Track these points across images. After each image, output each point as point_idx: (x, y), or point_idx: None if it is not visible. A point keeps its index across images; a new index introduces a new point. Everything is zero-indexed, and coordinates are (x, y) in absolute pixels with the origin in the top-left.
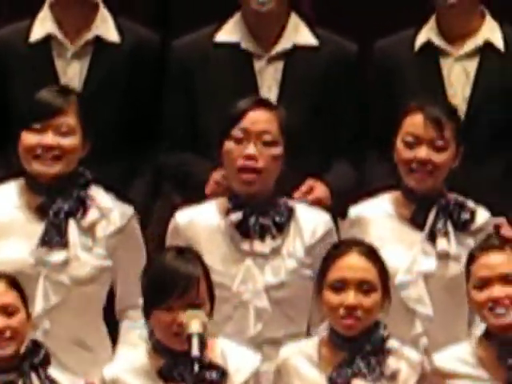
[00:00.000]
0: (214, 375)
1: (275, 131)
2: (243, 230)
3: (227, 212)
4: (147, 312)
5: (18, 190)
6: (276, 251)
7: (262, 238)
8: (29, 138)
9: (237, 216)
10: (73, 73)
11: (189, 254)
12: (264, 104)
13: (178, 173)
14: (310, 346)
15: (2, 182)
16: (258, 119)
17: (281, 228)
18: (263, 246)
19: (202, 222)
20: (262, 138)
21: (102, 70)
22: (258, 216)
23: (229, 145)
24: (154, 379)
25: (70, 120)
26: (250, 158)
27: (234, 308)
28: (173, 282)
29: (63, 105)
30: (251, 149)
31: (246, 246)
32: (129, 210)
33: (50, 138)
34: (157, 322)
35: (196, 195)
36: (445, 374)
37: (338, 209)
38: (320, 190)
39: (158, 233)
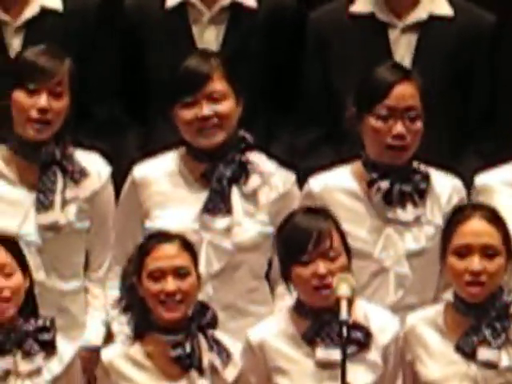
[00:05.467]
0: (359, 335)
1: (418, 105)
2: (387, 198)
3: (370, 181)
4: (286, 273)
5: (179, 158)
6: (417, 218)
7: (403, 205)
8: (186, 114)
9: (385, 184)
10: (209, 38)
11: (318, 209)
12: (405, 75)
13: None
14: (435, 313)
15: (148, 153)
16: (403, 95)
17: (422, 195)
18: (407, 214)
19: (338, 187)
20: (407, 114)
21: (239, 35)
22: (402, 184)
23: (373, 122)
24: (299, 342)
25: (218, 85)
26: (399, 137)
27: (374, 275)
28: (305, 234)
29: (209, 71)
30: (400, 128)
31: (390, 213)
32: (291, 175)
33: (204, 109)
34: (297, 279)
35: None
36: None
37: None
38: None
39: None
